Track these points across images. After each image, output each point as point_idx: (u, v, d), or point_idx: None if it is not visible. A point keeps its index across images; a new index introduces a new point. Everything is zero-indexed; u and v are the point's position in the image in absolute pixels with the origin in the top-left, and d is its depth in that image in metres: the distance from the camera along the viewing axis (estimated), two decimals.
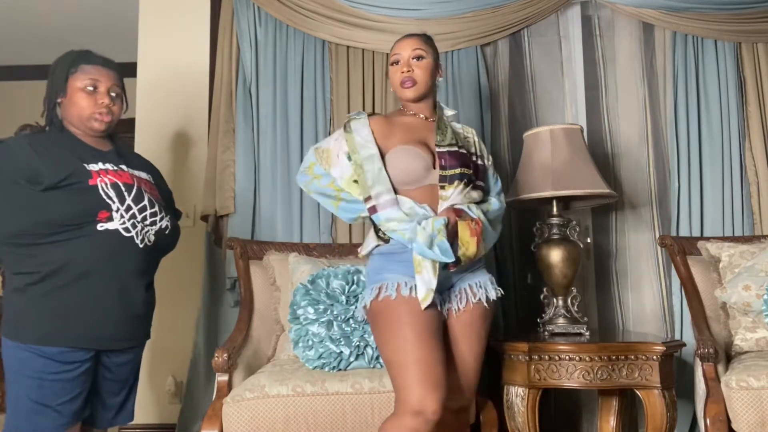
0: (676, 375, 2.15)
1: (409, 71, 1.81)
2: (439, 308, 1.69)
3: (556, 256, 2.28)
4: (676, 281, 2.58)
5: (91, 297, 1.69)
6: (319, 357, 2.00)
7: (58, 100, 1.81)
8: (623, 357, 1.92)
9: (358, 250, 1.83)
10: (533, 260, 2.40)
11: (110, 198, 1.72)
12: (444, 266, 1.64)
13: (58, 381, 1.64)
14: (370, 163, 1.71)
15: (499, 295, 1.80)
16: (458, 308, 1.73)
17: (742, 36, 2.76)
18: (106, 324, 1.72)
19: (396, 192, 1.70)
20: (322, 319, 2.04)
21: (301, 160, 2.67)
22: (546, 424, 2.30)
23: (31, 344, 1.63)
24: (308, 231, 2.66)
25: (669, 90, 2.77)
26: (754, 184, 2.68)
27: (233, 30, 2.80)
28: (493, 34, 2.78)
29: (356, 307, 1.95)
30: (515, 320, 2.64)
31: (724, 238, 2.51)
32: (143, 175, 1.91)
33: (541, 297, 2.35)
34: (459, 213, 1.67)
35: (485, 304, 1.75)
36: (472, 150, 1.85)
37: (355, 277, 2.12)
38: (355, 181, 1.73)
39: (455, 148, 1.75)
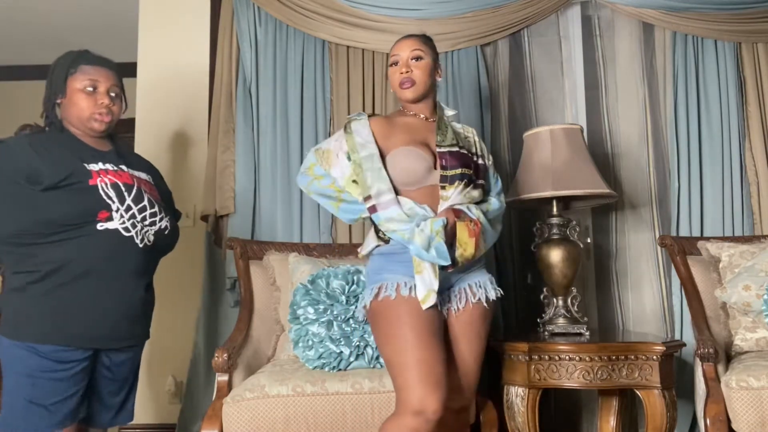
0: (676, 375, 2.15)
1: (407, 72, 1.81)
2: (439, 308, 1.69)
3: (556, 256, 2.28)
4: (676, 281, 2.58)
5: (91, 296, 1.69)
6: (319, 357, 2.00)
7: (58, 101, 1.81)
8: (623, 357, 1.92)
9: (358, 250, 1.83)
10: (533, 260, 2.40)
11: (110, 198, 1.72)
12: (442, 267, 1.64)
13: (52, 380, 1.64)
14: (370, 162, 1.71)
15: (499, 295, 1.80)
16: (458, 308, 1.74)
17: (742, 36, 2.76)
18: (105, 323, 1.72)
19: (397, 193, 1.70)
20: (322, 319, 2.04)
21: (301, 161, 2.68)
22: (546, 424, 2.30)
23: (29, 342, 1.63)
24: (308, 231, 2.66)
25: (669, 90, 2.77)
26: (754, 184, 2.68)
27: (233, 30, 2.80)
28: (493, 34, 2.78)
29: (356, 307, 1.95)
30: (515, 320, 2.64)
31: (724, 238, 2.51)
32: (143, 175, 1.91)
33: (541, 297, 2.35)
34: (458, 214, 1.67)
35: (485, 304, 1.75)
36: (473, 150, 1.85)
37: (355, 277, 2.12)
38: (355, 182, 1.73)
39: (456, 149, 1.75)
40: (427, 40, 1.89)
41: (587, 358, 1.91)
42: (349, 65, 2.78)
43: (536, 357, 1.94)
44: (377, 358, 2.01)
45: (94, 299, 1.69)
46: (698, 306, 2.33)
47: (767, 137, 2.72)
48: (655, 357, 1.91)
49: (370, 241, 1.76)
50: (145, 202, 1.80)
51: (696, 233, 2.64)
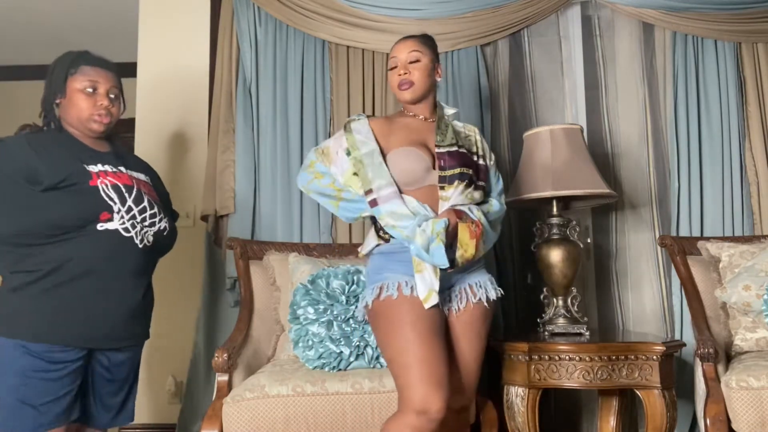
0: (676, 375, 2.15)
1: (405, 74, 1.81)
2: (440, 307, 1.69)
3: (556, 256, 2.28)
4: (676, 281, 2.58)
5: (91, 296, 1.69)
6: (319, 357, 2.00)
7: (57, 101, 1.80)
8: (623, 357, 1.92)
9: (359, 249, 1.83)
10: (533, 260, 2.40)
11: (112, 199, 1.72)
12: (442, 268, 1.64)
13: (44, 380, 1.62)
14: (370, 158, 1.72)
15: (499, 295, 1.80)
16: (458, 308, 1.74)
17: (742, 36, 2.76)
18: (104, 323, 1.72)
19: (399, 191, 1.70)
20: (322, 319, 2.04)
21: (301, 161, 2.68)
22: (546, 424, 2.30)
23: (21, 340, 1.62)
24: (308, 231, 2.66)
25: (669, 90, 2.77)
26: (754, 184, 2.68)
27: (233, 30, 2.80)
28: (493, 34, 2.78)
29: (356, 307, 1.95)
30: (515, 320, 2.64)
31: (724, 238, 2.51)
32: (141, 176, 1.91)
33: (541, 297, 2.35)
34: (460, 215, 1.67)
35: (485, 303, 1.75)
36: (474, 149, 1.85)
37: (355, 277, 2.12)
38: (356, 174, 1.73)
39: (455, 148, 1.75)
40: (426, 40, 1.89)
41: (587, 358, 1.91)
42: (349, 65, 2.78)
43: (536, 357, 1.94)
44: (377, 358, 2.01)
45: (93, 299, 1.69)
46: (698, 306, 2.33)
47: (767, 137, 2.72)
48: (655, 357, 1.91)
49: (371, 240, 1.77)
50: (146, 203, 1.80)
51: (696, 233, 2.64)
